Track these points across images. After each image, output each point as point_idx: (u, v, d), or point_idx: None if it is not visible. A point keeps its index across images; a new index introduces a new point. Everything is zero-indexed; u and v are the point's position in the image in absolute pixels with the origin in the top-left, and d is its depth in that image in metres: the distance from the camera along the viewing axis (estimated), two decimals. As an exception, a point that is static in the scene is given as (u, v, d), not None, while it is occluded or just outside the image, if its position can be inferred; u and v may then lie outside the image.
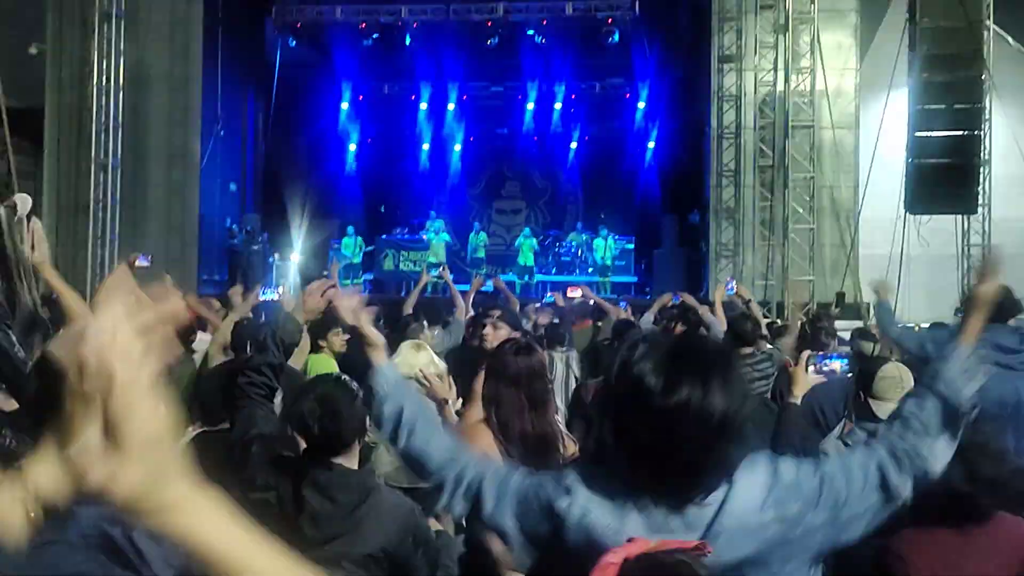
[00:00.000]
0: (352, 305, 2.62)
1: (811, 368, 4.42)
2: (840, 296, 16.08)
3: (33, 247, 4.04)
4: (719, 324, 7.44)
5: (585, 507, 1.96)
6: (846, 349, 7.05)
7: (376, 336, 2.54)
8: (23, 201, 3.57)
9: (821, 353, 5.39)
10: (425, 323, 8.84)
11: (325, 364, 5.98)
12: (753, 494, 1.95)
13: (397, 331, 8.03)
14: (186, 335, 6.05)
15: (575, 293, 11.13)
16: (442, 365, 6.04)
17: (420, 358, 6.00)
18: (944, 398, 2.20)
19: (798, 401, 4.23)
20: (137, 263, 5.85)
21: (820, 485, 2.02)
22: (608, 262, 21.04)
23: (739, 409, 1.92)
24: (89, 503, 1.71)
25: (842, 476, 2.06)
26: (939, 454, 2.16)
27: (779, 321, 12.51)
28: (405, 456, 2.34)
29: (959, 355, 2.28)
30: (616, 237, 21.50)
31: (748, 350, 6.16)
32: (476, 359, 7.17)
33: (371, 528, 3.07)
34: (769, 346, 7.06)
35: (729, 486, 1.94)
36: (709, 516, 1.92)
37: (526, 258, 21.07)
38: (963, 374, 2.24)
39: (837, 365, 5.03)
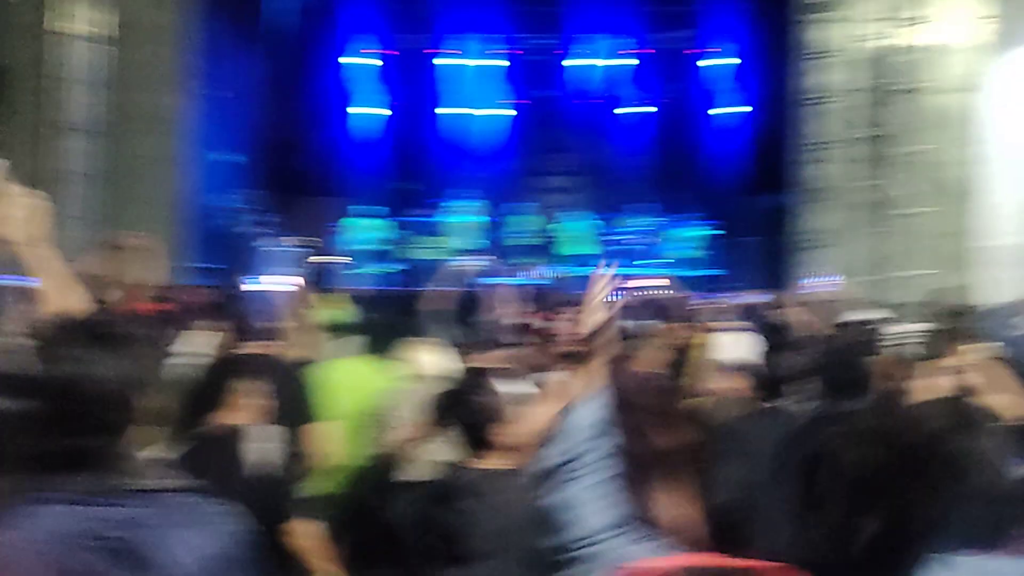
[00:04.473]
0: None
1: None
2: (937, 295, 15.93)
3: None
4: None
5: None
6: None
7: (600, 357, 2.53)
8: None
9: None
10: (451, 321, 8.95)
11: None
12: None
13: (425, 329, 8.16)
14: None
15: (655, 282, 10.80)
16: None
17: (426, 362, 6.13)
18: None
19: None
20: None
21: None
22: (687, 254, 20.91)
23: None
24: (98, 503, 1.91)
25: None
26: None
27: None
28: (556, 506, 2.38)
29: None
30: (694, 224, 21.42)
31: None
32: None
33: None
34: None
35: None
36: None
37: (578, 246, 21.05)
38: None
39: None
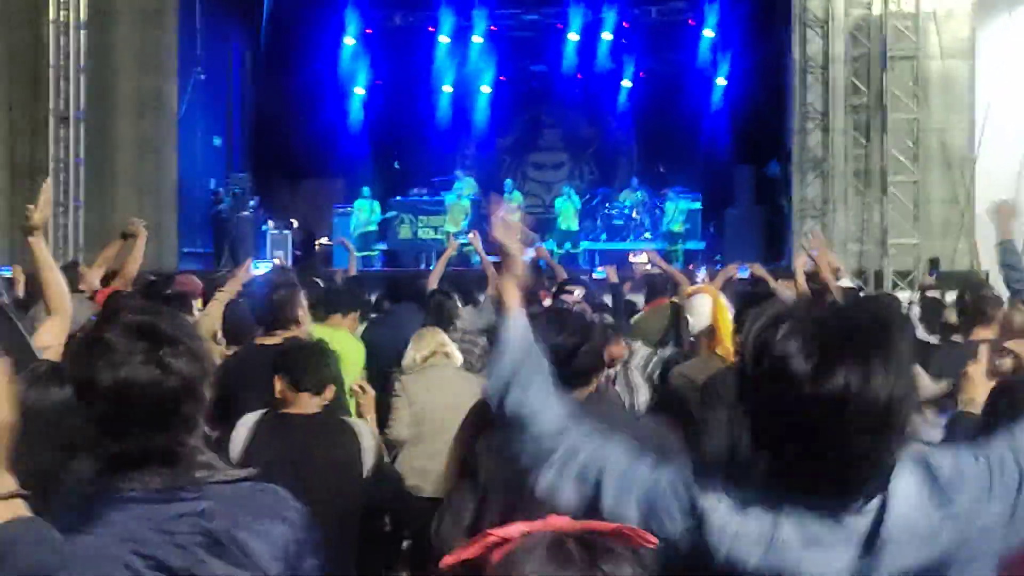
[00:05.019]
0: (511, 222, 2.65)
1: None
2: (934, 262, 15.95)
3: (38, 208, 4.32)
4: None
5: (730, 510, 1.99)
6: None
7: (518, 264, 2.60)
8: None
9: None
10: (457, 300, 8.90)
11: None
12: (912, 493, 1.96)
13: (425, 311, 8.09)
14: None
15: (639, 259, 10.94)
16: (457, 355, 6.13)
17: (425, 345, 6.10)
18: None
19: (976, 411, 3.96)
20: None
21: (988, 472, 2.02)
22: (679, 227, 20.88)
23: (906, 395, 1.92)
24: (173, 498, 1.94)
25: (1013, 458, 2.05)
26: None
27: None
28: (510, 415, 2.38)
29: None
30: (686, 196, 21.35)
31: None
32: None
33: None
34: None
35: (885, 489, 1.95)
36: (868, 524, 1.94)
37: (568, 222, 20.99)
38: None
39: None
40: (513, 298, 2.54)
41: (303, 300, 5.95)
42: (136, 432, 2.06)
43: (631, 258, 11.07)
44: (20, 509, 1.92)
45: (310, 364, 4.52)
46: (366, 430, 4.63)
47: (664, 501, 2.08)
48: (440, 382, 5.89)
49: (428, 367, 5.98)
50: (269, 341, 5.53)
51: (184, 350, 2.10)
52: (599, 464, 2.20)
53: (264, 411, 4.55)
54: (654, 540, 1.46)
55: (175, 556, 1.99)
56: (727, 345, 5.56)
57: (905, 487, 1.97)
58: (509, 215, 2.66)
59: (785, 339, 1.92)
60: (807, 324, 1.94)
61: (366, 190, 21.37)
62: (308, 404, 4.49)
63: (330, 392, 4.57)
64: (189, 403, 2.11)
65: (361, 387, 5.45)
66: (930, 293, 11.22)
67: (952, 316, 7.25)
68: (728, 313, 5.88)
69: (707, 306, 6.07)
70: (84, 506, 2.08)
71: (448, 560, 1.43)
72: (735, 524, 1.97)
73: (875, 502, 1.95)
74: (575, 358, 3.74)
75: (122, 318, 2.13)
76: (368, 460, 4.53)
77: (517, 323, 2.50)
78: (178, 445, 2.10)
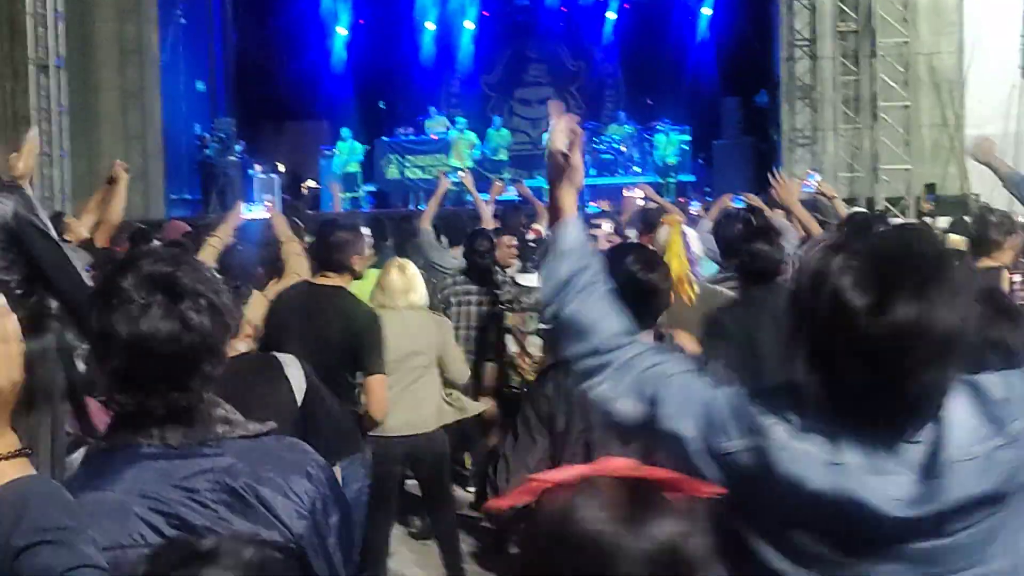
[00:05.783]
0: (577, 130, 2.56)
1: None
2: (931, 187, 15.91)
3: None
4: (794, 232, 7.31)
5: (790, 431, 1.98)
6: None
7: (579, 173, 2.52)
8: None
9: None
10: (446, 240, 8.85)
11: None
12: (966, 420, 1.95)
13: (413, 250, 8.05)
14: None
15: (634, 193, 10.87)
16: (423, 293, 6.11)
17: (413, 280, 6.06)
18: None
19: None
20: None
21: None
22: (671, 160, 20.83)
23: (965, 325, 1.88)
24: (192, 454, 1.92)
25: None
26: None
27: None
28: (566, 322, 2.35)
29: None
30: (674, 128, 21.27)
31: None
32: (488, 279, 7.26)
33: None
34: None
35: (938, 415, 1.94)
36: (926, 451, 1.92)
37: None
38: None
39: None
40: (571, 205, 2.48)
41: (365, 249, 5.89)
42: (153, 388, 1.99)
43: (625, 193, 10.97)
44: (26, 468, 1.86)
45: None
46: (293, 362, 4.30)
47: (723, 418, 2.06)
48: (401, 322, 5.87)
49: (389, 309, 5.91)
50: (319, 281, 5.51)
51: (206, 304, 2.01)
52: (657, 377, 2.18)
53: None
54: (711, 489, 1.45)
55: (196, 514, 1.94)
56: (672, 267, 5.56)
57: (959, 413, 1.95)
58: (573, 122, 2.56)
59: (841, 272, 1.89)
60: (863, 256, 1.91)
61: (346, 131, 21.24)
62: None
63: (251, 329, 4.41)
64: (209, 359, 2.03)
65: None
66: (927, 218, 11.23)
67: (947, 241, 7.18)
68: (680, 239, 5.96)
69: (664, 235, 6.25)
70: (99, 463, 2.03)
71: (494, 503, 1.39)
72: (796, 445, 1.96)
73: (930, 429, 1.93)
74: (655, 297, 3.72)
75: (141, 267, 2.04)
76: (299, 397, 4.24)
77: (575, 229, 2.44)
78: (197, 401, 2.04)
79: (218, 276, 2.16)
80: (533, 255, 7.54)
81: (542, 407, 3.54)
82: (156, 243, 7.73)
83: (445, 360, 6.12)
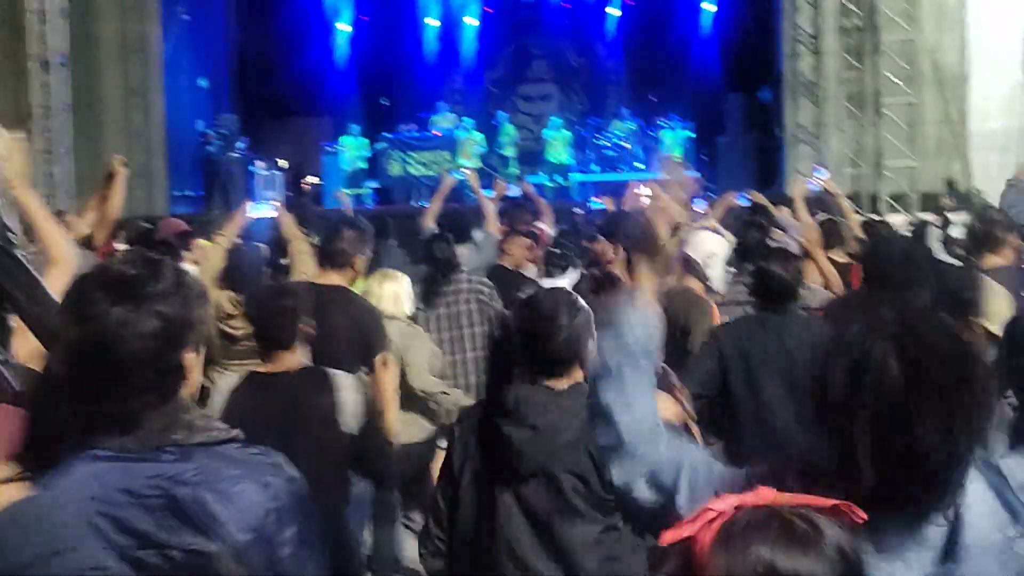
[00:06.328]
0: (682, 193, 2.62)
1: None
2: (950, 183, 15.89)
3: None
4: (797, 229, 7.30)
5: None
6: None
7: (667, 265, 2.65)
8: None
9: None
10: (452, 239, 8.82)
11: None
12: (983, 502, 1.90)
13: (419, 249, 8.01)
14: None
15: (642, 191, 10.80)
16: (408, 304, 6.05)
17: (384, 290, 6.00)
18: None
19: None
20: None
21: None
22: (679, 156, 20.79)
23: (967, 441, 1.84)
24: (145, 459, 1.88)
25: None
26: None
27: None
28: (606, 404, 2.35)
29: None
30: (677, 124, 21.25)
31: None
32: (511, 282, 7.20)
33: None
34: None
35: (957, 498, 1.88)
36: (943, 535, 1.87)
37: (558, 154, 20.81)
38: None
39: None
40: (651, 291, 2.44)
41: (367, 248, 5.88)
42: (103, 391, 1.96)
43: (633, 190, 10.92)
44: (15, 494, 1.88)
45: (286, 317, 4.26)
46: (348, 382, 4.24)
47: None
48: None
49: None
50: (321, 280, 5.56)
51: (162, 305, 1.97)
52: (677, 465, 2.19)
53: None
54: (864, 515, 1.43)
55: (142, 520, 1.89)
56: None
57: (974, 493, 1.90)
58: (684, 180, 2.56)
59: (885, 366, 1.84)
60: (906, 347, 1.85)
61: (354, 127, 21.21)
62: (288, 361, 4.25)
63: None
64: (164, 361, 1.98)
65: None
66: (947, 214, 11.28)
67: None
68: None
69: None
70: (59, 466, 1.99)
71: (669, 537, 1.36)
72: None
73: (949, 512, 1.88)
74: None
75: (99, 270, 2.03)
76: (348, 413, 4.16)
77: (649, 316, 2.41)
78: (150, 406, 1.98)
79: (193, 283, 2.09)
80: (556, 258, 7.54)
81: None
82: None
83: (407, 368, 5.84)
